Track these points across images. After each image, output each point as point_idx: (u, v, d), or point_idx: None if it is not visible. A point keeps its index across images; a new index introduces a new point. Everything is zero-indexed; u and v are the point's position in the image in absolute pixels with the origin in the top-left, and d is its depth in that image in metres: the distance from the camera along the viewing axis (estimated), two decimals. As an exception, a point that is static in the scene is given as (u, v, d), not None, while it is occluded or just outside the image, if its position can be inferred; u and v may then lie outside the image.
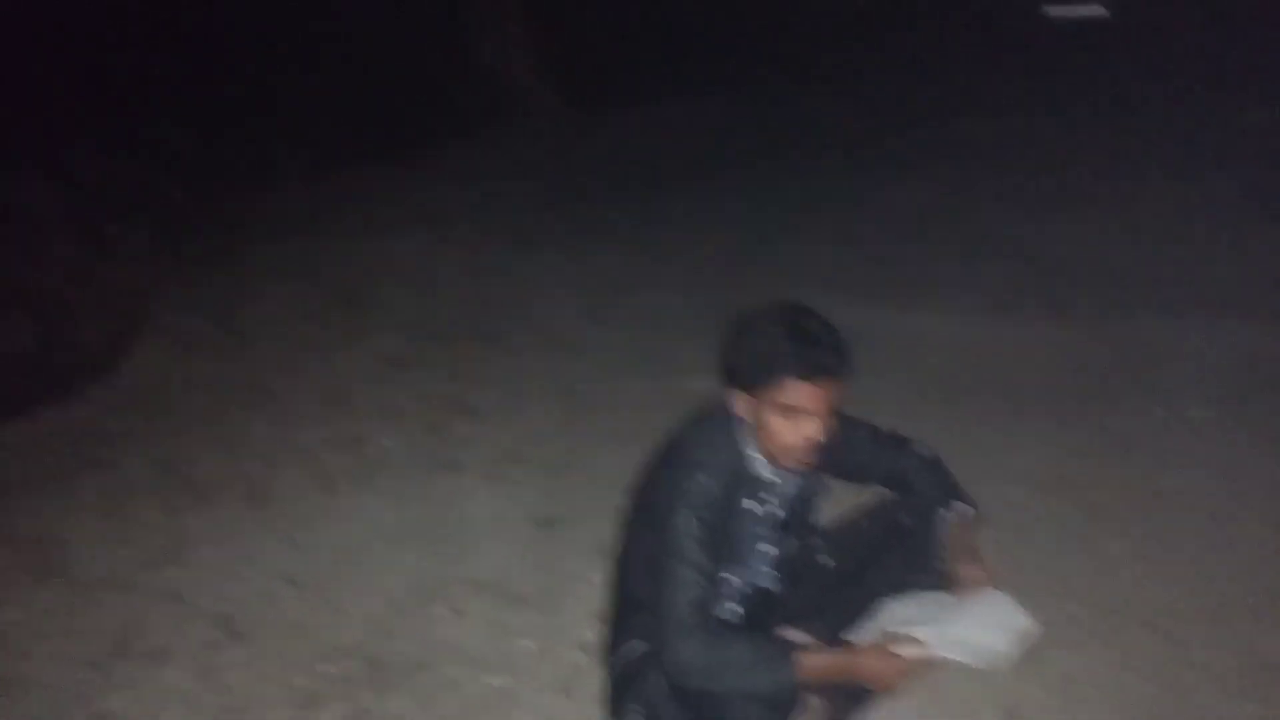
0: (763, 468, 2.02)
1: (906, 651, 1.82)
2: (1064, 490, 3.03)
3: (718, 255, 5.43)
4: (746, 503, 2.06)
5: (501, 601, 2.66)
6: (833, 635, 2.05)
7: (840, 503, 2.65)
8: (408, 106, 8.57)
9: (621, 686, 2.10)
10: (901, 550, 2.13)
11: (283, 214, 6.67)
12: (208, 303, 4.97)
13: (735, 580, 2.18)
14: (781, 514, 2.14)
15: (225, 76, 7.53)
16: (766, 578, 2.25)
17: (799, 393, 1.86)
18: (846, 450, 2.16)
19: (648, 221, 6.21)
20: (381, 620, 2.59)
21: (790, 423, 1.89)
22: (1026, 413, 3.52)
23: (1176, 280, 4.67)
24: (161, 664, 2.43)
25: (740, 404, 1.96)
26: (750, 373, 1.90)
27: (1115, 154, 6.78)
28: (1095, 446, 3.27)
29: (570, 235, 5.90)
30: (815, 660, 1.84)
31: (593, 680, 2.30)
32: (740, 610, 2.15)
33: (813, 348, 1.86)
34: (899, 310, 4.54)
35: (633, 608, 2.12)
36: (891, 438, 2.25)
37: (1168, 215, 5.55)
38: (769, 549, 2.22)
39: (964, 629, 1.84)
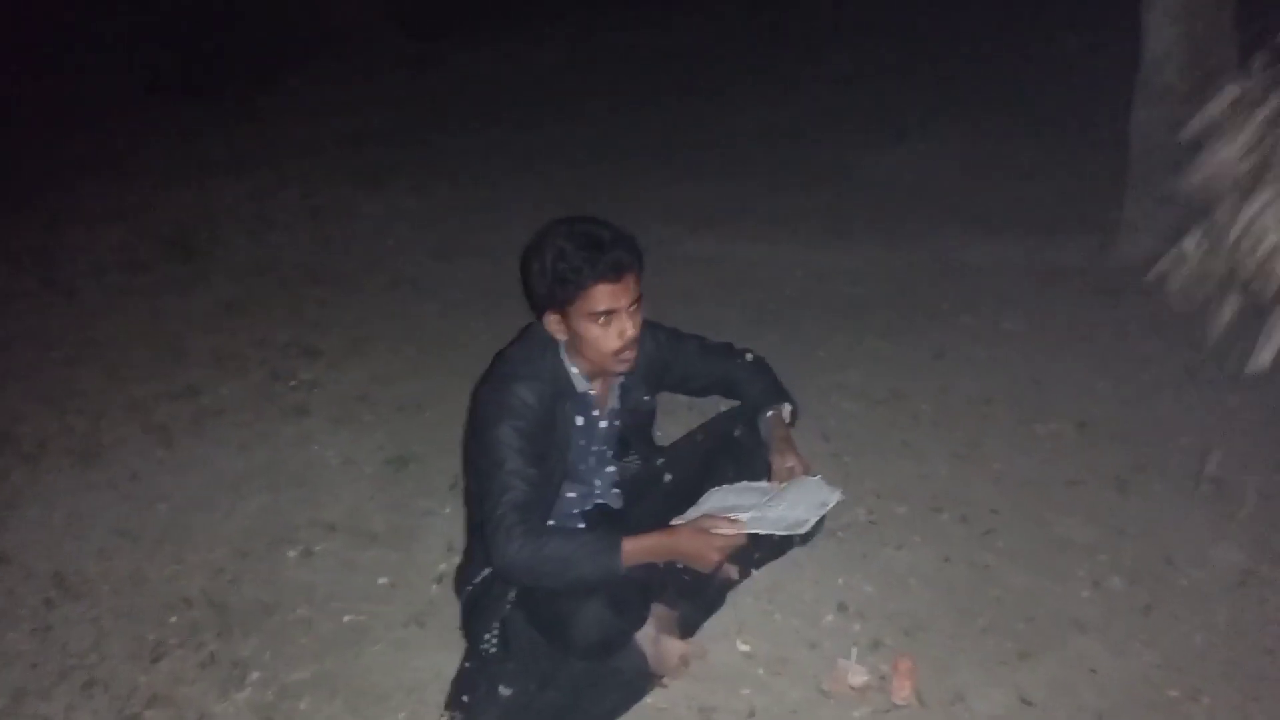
0: (581, 382, 2.10)
1: (723, 530, 1.94)
2: (893, 402, 3.23)
3: (561, 191, 5.42)
4: (577, 419, 2.14)
5: (353, 541, 2.65)
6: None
7: (685, 424, 2.77)
8: (238, 36, 8.10)
9: (473, 611, 2.15)
10: (734, 460, 2.25)
11: (100, 153, 6.25)
12: (21, 251, 4.64)
13: (575, 497, 2.27)
14: (605, 424, 2.22)
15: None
16: (608, 496, 2.35)
17: (606, 295, 1.94)
18: (676, 361, 2.28)
19: (491, 158, 6.12)
20: (226, 568, 2.55)
21: (605, 328, 1.97)
22: (859, 332, 3.70)
23: (993, 203, 4.97)
24: (-9, 628, 2.33)
25: (553, 325, 2.02)
26: (554, 291, 1.96)
27: (936, 83, 7.09)
28: (920, 360, 3.49)
29: (413, 172, 5.77)
30: (637, 544, 1.92)
31: (447, 610, 2.34)
32: (582, 526, 2.24)
33: (605, 249, 1.93)
34: (738, 239, 4.68)
35: (476, 533, 2.17)
36: (719, 346, 2.38)
37: (986, 141, 5.87)
38: (610, 469, 2.31)
39: (778, 510, 2.00)
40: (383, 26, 9.11)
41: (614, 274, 1.92)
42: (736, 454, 2.29)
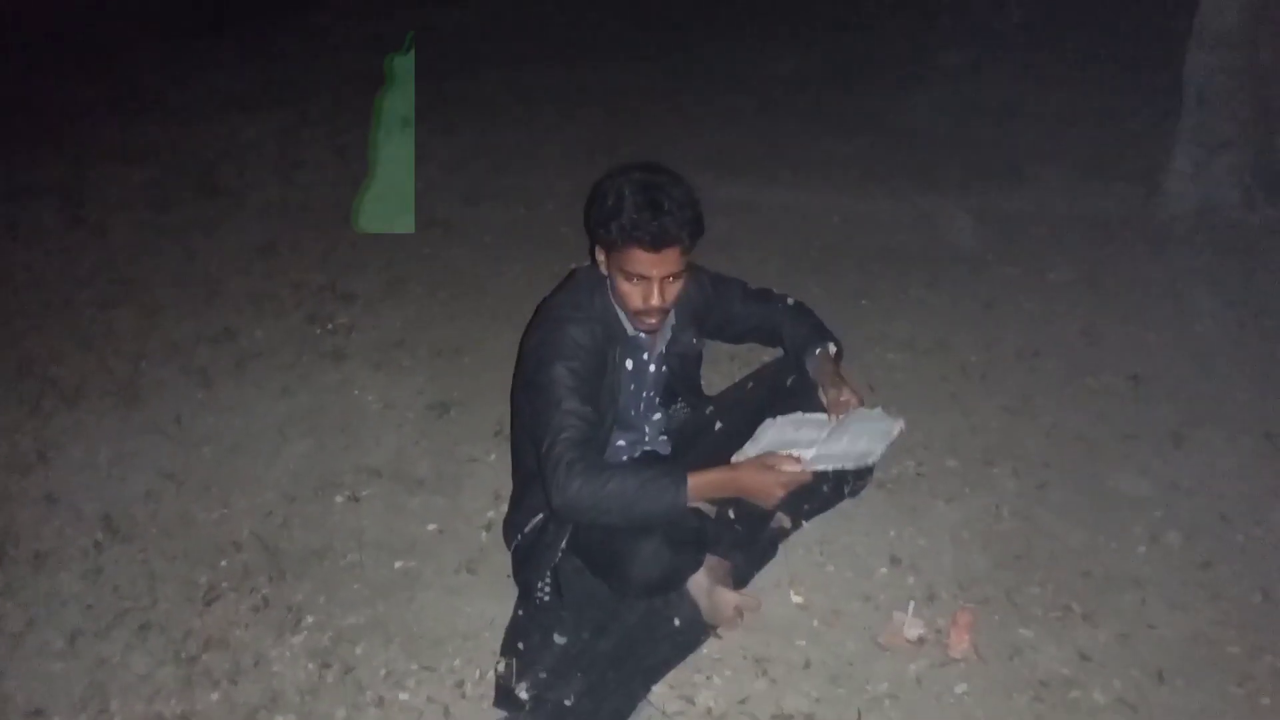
0: (630, 326, 2.07)
1: (787, 467, 1.91)
2: (939, 353, 3.18)
3: (593, 132, 5.33)
4: (627, 363, 2.11)
5: (399, 486, 2.64)
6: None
7: (729, 375, 2.73)
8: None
9: (525, 559, 2.14)
10: (785, 408, 2.22)
11: (124, 90, 6.15)
12: (49, 188, 4.59)
13: (624, 444, 2.25)
14: (654, 369, 2.20)
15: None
16: (656, 443, 2.33)
17: (642, 260, 1.91)
18: (718, 304, 2.25)
19: (519, 98, 6.00)
20: (275, 512, 2.54)
21: (634, 286, 1.95)
22: (902, 281, 3.64)
23: (1033, 150, 4.86)
24: (45, 569, 2.33)
25: (600, 260, 2.01)
26: (600, 232, 1.94)
27: (971, 26, 6.90)
28: (966, 311, 3.43)
29: (438, 111, 5.65)
30: (701, 479, 1.90)
31: (497, 558, 2.33)
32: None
33: (656, 216, 1.88)
34: (772, 185, 4.59)
35: (529, 483, 2.16)
36: (759, 292, 2.35)
37: (1023, 86, 5.73)
38: (658, 415, 2.29)
39: (841, 444, 1.98)
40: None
41: (653, 245, 1.89)
42: (788, 402, 2.26)
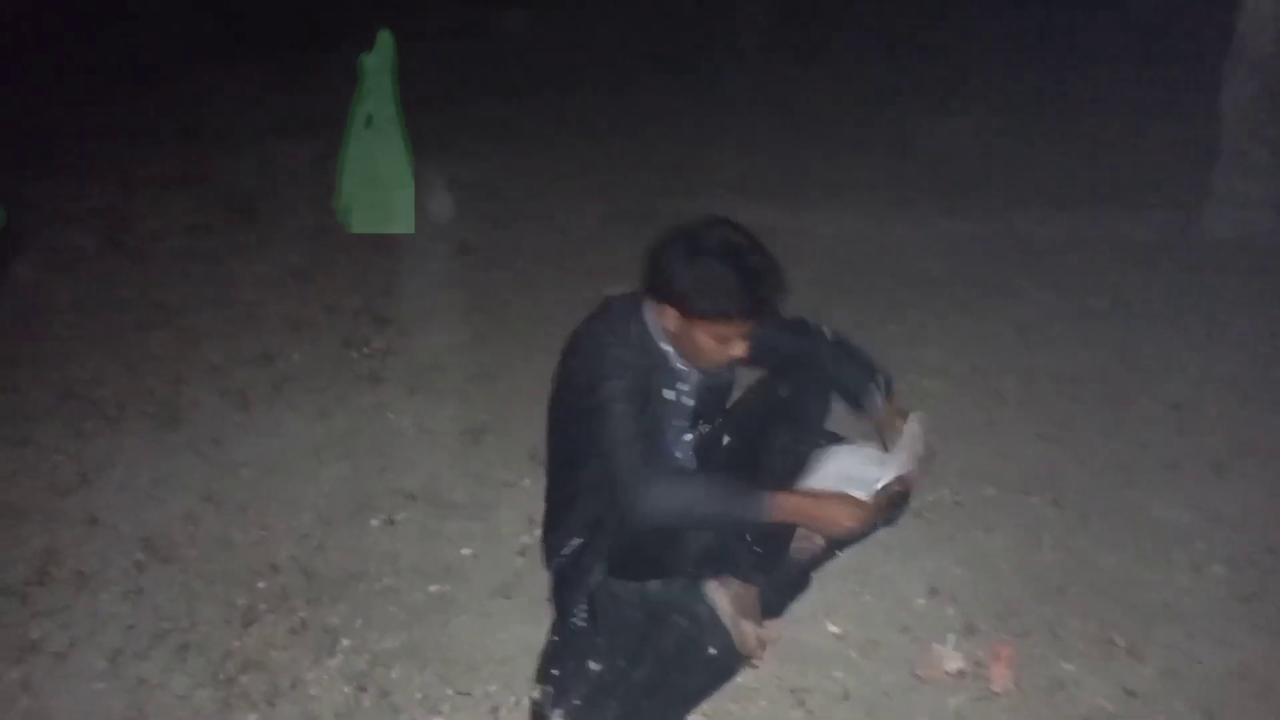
0: (676, 360, 2.07)
1: (864, 502, 1.95)
2: (974, 380, 3.16)
3: (620, 158, 5.36)
4: (665, 392, 2.11)
5: (434, 511, 2.65)
6: None
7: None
8: (292, 2, 8.08)
9: (562, 581, 2.14)
10: (788, 421, 2.22)
11: (160, 118, 6.27)
12: (89, 216, 4.68)
13: None
14: (692, 403, 2.20)
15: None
16: (681, 460, 2.32)
17: (735, 328, 1.93)
18: (757, 335, 2.24)
19: (547, 124, 6.07)
20: (311, 534, 2.55)
21: (722, 347, 1.97)
22: (934, 307, 3.63)
23: (1062, 175, 4.84)
24: (86, 589, 2.35)
25: (666, 316, 1.99)
26: (694, 302, 1.92)
27: (998, 49, 6.90)
28: (1001, 337, 3.41)
29: (470, 137, 5.73)
30: (785, 499, 1.92)
31: (532, 583, 2.33)
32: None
33: (759, 287, 1.90)
34: (799, 208, 4.59)
35: (567, 506, 2.16)
36: (795, 321, 2.34)
37: (1051, 110, 5.71)
38: (686, 436, 2.29)
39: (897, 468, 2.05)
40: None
41: (756, 313, 1.91)
42: (787, 415, 2.25)
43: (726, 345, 1.97)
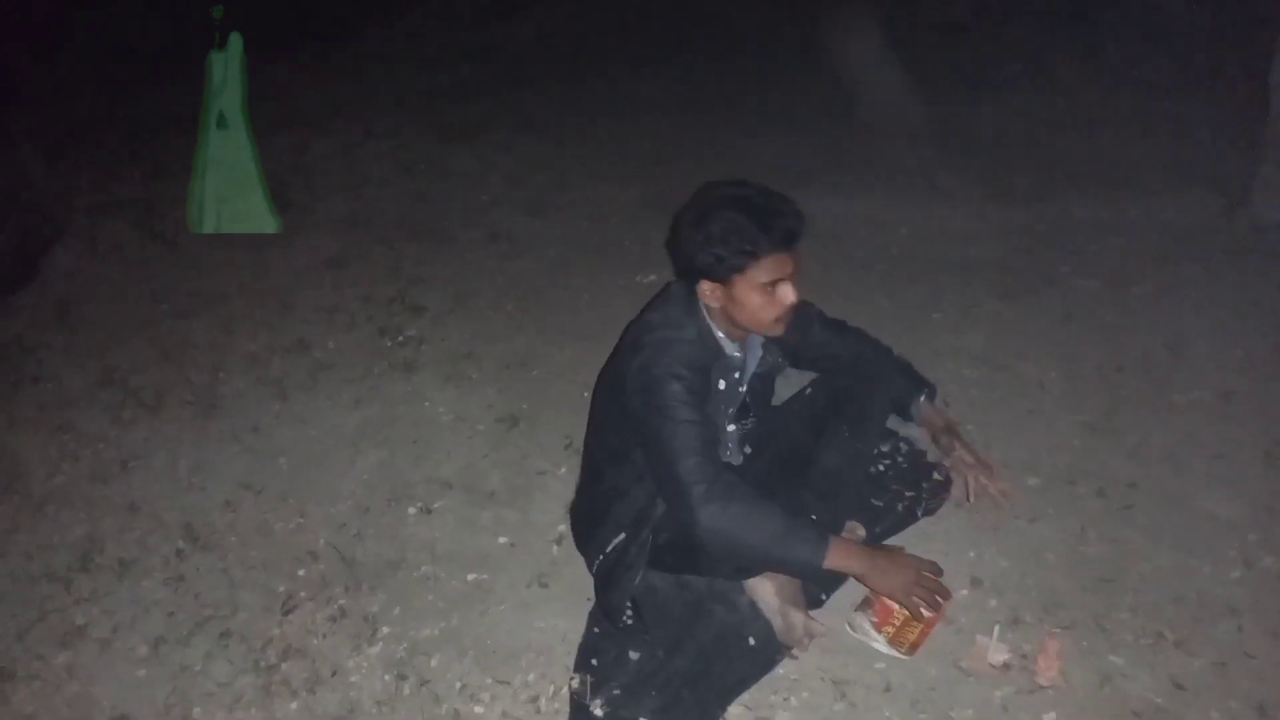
0: (729, 345, 2.05)
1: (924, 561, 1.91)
2: (1016, 368, 3.10)
3: (655, 144, 5.31)
4: (719, 383, 2.10)
5: (470, 499, 2.65)
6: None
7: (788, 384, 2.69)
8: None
9: (607, 580, 2.12)
10: (848, 420, 2.21)
11: (195, 107, 6.28)
12: (126, 205, 4.71)
13: None
14: (743, 389, 2.19)
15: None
16: (731, 453, 2.31)
17: (776, 264, 1.89)
18: (798, 329, 2.22)
19: (579, 111, 6.02)
20: (349, 522, 2.56)
21: (769, 295, 1.92)
22: (975, 294, 3.56)
23: (1104, 160, 4.73)
24: (129, 576, 2.37)
25: (707, 293, 1.96)
26: (723, 263, 1.90)
27: (1039, 31, 6.76)
28: (1043, 324, 3.34)
29: (500, 126, 5.70)
30: (845, 548, 1.87)
31: (569, 571, 2.32)
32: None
33: (777, 217, 1.87)
34: (836, 195, 4.51)
35: (609, 498, 2.14)
36: (834, 322, 2.34)
37: (1091, 94, 5.59)
38: (732, 427, 2.27)
39: None
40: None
41: (786, 244, 1.88)
42: (849, 412, 2.24)
43: (774, 293, 1.92)
